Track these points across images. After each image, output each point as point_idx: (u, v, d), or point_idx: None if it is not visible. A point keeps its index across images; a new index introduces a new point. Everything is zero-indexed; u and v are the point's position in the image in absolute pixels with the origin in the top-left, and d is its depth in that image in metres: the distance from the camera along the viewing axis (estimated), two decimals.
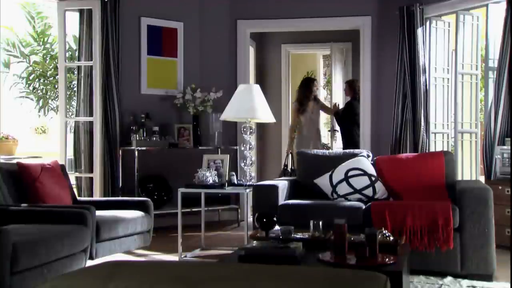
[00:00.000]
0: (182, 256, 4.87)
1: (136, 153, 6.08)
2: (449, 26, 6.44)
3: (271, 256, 3.04)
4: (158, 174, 6.43)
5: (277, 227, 3.58)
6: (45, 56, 11.05)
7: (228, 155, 5.18)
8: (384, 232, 3.41)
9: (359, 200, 4.48)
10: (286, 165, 7.30)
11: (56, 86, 10.12)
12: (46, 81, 11.04)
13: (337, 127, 7.89)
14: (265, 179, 6.75)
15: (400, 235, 3.90)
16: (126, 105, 6.29)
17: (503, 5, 5.52)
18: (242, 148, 5.06)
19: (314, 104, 7.46)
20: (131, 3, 6.37)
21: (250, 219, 5.00)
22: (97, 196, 5.97)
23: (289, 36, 8.53)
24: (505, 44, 5.34)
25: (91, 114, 6.13)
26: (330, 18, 6.90)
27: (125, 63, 6.29)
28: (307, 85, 7.44)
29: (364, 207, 4.25)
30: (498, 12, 5.70)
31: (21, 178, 4.39)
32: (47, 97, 11.11)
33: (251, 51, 7.80)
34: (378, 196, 4.54)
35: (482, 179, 5.67)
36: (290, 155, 7.29)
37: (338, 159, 4.87)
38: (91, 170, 6.12)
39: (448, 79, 6.49)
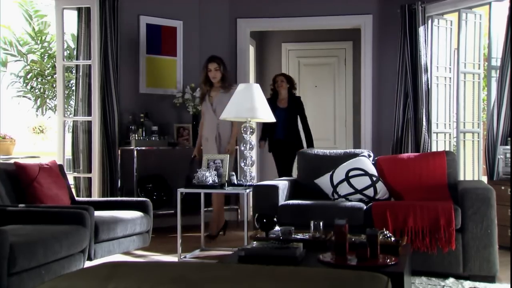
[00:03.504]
0: (182, 257, 4.84)
1: (135, 153, 6.05)
2: (451, 25, 6.41)
3: (271, 256, 3.02)
4: (157, 174, 6.40)
5: (277, 228, 3.57)
6: (42, 55, 11.02)
7: (228, 155, 5.15)
8: (385, 232, 3.39)
9: (360, 200, 4.44)
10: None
11: (54, 85, 10.11)
12: (44, 80, 11.02)
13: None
14: (265, 179, 6.71)
15: (402, 235, 3.89)
16: (125, 104, 6.26)
17: (506, 3, 5.49)
18: (242, 148, 5.03)
19: (222, 92, 5.64)
20: (130, 1, 6.35)
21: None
22: (95, 197, 5.94)
23: (290, 35, 8.50)
24: (508, 43, 5.31)
25: (89, 114, 6.10)
26: (331, 17, 6.88)
27: (124, 62, 6.26)
28: (205, 64, 5.73)
29: (365, 207, 4.23)
30: (501, 10, 5.66)
31: (19, 178, 4.37)
32: (45, 96, 11.08)
33: (251, 50, 7.78)
34: (379, 196, 4.51)
35: (484, 179, 5.64)
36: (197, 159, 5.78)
37: (338, 159, 4.85)
38: (89, 170, 6.09)
39: (450, 78, 6.46)
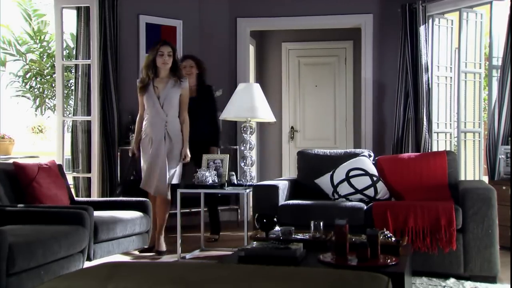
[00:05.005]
0: (182, 257, 4.82)
1: None
2: (452, 24, 6.39)
3: (271, 257, 3.01)
4: None
5: (277, 228, 3.56)
6: (42, 54, 11.00)
7: (228, 155, 5.12)
8: (385, 232, 3.39)
9: (361, 200, 4.43)
10: (128, 176, 5.32)
11: (53, 85, 10.09)
12: (43, 80, 11.00)
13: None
14: (265, 179, 6.70)
15: (402, 236, 3.87)
16: (124, 104, 6.23)
17: (507, 3, 5.47)
18: (242, 148, 5.01)
19: (171, 83, 4.99)
20: (129, 0, 6.33)
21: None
22: (95, 197, 5.92)
23: (290, 34, 8.48)
24: (509, 42, 5.29)
25: (89, 113, 6.08)
26: (331, 16, 6.86)
27: (123, 62, 6.24)
28: (157, 46, 5.04)
29: (365, 207, 4.21)
30: (502, 9, 5.64)
31: (18, 178, 4.35)
32: (44, 96, 11.07)
33: (251, 50, 7.76)
34: (380, 196, 4.49)
35: (485, 179, 5.62)
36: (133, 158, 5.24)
37: (339, 159, 4.84)
38: (89, 170, 6.07)
39: (451, 77, 6.44)
